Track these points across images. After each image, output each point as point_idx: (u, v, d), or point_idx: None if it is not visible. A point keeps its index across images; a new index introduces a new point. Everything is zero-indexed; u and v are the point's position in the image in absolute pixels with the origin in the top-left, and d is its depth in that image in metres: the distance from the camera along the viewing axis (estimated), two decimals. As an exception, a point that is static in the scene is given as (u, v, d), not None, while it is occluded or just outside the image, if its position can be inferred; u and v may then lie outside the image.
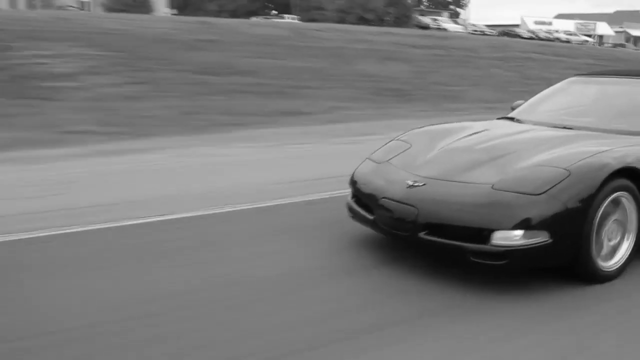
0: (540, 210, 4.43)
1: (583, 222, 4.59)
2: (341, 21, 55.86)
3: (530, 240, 4.34)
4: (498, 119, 6.64)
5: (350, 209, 5.57)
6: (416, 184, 4.77)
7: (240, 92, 17.08)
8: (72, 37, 19.45)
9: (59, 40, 18.82)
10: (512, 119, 6.50)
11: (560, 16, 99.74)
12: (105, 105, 14.60)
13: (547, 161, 4.91)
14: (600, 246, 4.85)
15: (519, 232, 4.35)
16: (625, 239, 5.00)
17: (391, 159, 5.57)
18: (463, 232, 4.54)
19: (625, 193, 4.94)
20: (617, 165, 4.78)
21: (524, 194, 4.53)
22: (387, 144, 6.05)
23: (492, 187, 4.61)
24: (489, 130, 5.96)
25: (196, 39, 22.88)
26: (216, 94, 16.51)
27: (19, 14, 26.47)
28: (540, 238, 4.40)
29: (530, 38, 59.35)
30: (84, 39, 19.45)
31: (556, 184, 4.53)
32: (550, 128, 5.94)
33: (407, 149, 5.66)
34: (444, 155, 5.41)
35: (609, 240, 4.90)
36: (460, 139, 5.77)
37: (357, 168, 5.78)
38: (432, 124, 6.40)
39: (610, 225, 4.87)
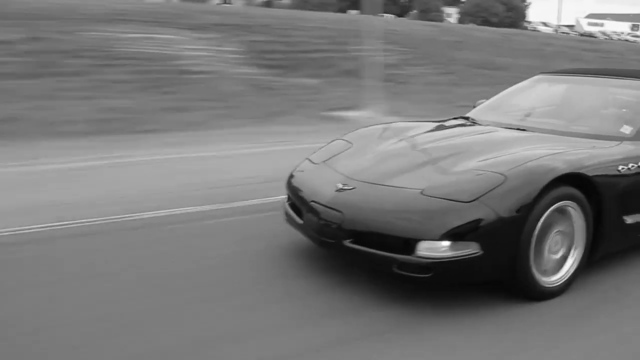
0: (470, 219, 3.38)
1: (519, 233, 3.45)
2: (462, 23, 51.89)
3: (458, 252, 3.35)
4: (454, 118, 5.23)
5: (286, 213, 4.37)
6: (346, 188, 3.83)
7: (511, 83, 20.59)
8: (374, 36, 21.19)
9: (368, 38, 20.74)
10: (467, 118, 5.15)
11: (590, 16, 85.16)
12: (439, 89, 15.73)
13: (485, 165, 3.73)
14: (541, 260, 3.63)
15: (446, 243, 3.35)
16: (572, 252, 3.80)
17: (328, 159, 4.42)
18: (388, 241, 3.48)
19: (571, 202, 3.68)
20: (562, 171, 3.60)
21: (454, 200, 3.47)
22: (329, 144, 4.78)
23: (420, 193, 3.58)
24: (437, 131, 4.74)
25: (451, 40, 24.41)
26: (499, 84, 16.82)
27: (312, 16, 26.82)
28: (470, 250, 3.36)
29: (605, 39, 49.56)
30: (381, 37, 20.15)
31: (489, 191, 3.45)
32: (503, 129, 4.63)
33: (348, 149, 4.52)
34: (382, 156, 4.25)
35: (553, 253, 3.70)
36: (404, 139, 4.52)
37: (294, 169, 4.58)
38: (383, 122, 5.24)
39: (553, 237, 3.68)
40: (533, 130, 4.55)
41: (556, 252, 3.74)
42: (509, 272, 3.53)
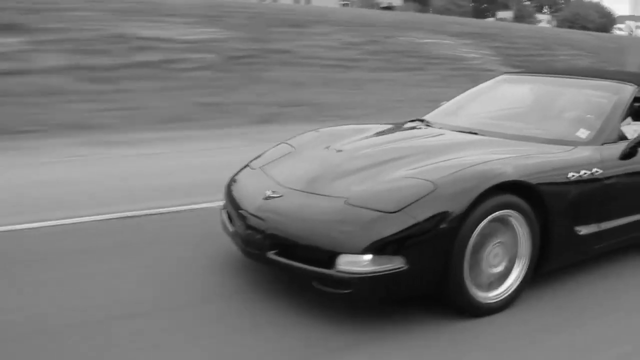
0: (393, 231, 2.90)
1: (450, 246, 2.95)
2: (560, 27, 52.49)
3: (381, 267, 2.90)
4: (410, 121, 4.58)
5: (222, 221, 3.77)
6: (273, 195, 3.37)
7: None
8: (564, 43, 23.07)
9: (562, 44, 22.78)
10: (423, 121, 4.53)
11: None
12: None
13: (418, 172, 3.21)
14: (478, 274, 3.10)
15: (367, 257, 2.90)
16: (516, 266, 3.27)
17: (266, 164, 3.91)
18: (309, 253, 3.04)
19: (513, 212, 3.15)
20: (500, 179, 3.08)
21: (377, 211, 2.99)
22: (273, 148, 4.24)
23: (344, 202, 3.11)
24: (384, 135, 4.19)
25: (612, 46, 25.29)
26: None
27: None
28: (394, 264, 2.90)
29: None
30: (567, 44, 22.74)
31: (416, 200, 2.97)
32: (454, 132, 4.07)
33: (289, 153, 4.02)
34: (318, 162, 3.72)
35: (492, 266, 3.17)
36: (347, 143, 3.98)
37: (233, 174, 4.04)
38: (336, 125, 4.71)
39: (493, 250, 3.16)
40: (486, 134, 3.96)
41: (496, 266, 3.22)
42: (440, 288, 3.03)
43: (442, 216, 2.96)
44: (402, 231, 2.92)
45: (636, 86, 4.05)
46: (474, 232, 3.02)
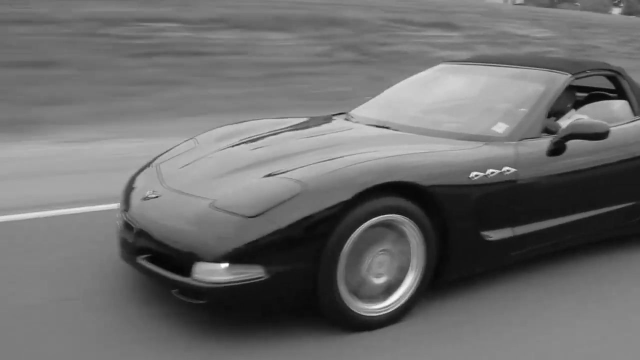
0: (250, 238, 2.50)
1: (320, 254, 2.52)
2: None
3: (236, 276, 2.51)
4: (333, 115, 4.05)
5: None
6: (152, 196, 2.97)
7: None
8: None
9: None
10: (345, 114, 3.97)
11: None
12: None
13: (292, 172, 2.75)
14: (358, 284, 2.64)
15: (223, 266, 2.51)
16: (407, 275, 2.77)
17: (164, 162, 3.43)
18: (171, 259, 2.67)
19: (400, 216, 2.65)
20: (384, 179, 2.61)
21: (236, 215, 2.56)
22: (179, 144, 3.73)
23: (210, 204, 2.68)
24: (291, 131, 3.67)
25: None
26: None
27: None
28: (251, 274, 2.51)
29: None
30: None
31: (278, 204, 2.54)
32: (366, 127, 3.56)
33: (188, 150, 3.53)
34: (210, 159, 3.28)
35: (376, 276, 2.69)
36: (246, 140, 3.49)
37: (138, 170, 3.51)
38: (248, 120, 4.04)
39: (376, 258, 2.69)
40: (399, 128, 3.40)
41: (381, 275, 2.69)
42: (309, 300, 2.54)
43: (308, 221, 2.48)
44: (260, 238, 2.45)
45: (570, 75, 3.54)
46: (349, 239, 2.52)
